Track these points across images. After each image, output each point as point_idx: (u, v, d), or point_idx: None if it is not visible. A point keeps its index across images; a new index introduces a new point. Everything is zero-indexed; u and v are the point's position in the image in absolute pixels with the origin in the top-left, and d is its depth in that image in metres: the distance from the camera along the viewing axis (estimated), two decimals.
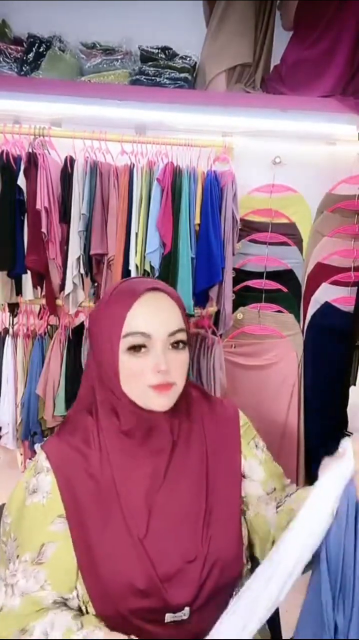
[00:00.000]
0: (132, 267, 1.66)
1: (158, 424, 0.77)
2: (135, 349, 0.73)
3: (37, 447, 1.81)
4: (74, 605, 0.72)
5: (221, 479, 0.81)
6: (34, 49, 1.63)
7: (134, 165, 1.66)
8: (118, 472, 0.76)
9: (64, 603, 0.71)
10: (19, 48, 1.65)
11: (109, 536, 0.72)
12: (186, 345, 0.78)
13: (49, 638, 0.65)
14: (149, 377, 0.73)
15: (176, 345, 0.76)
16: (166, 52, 1.67)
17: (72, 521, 0.73)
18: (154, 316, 0.74)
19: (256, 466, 0.86)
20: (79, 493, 0.74)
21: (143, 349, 0.74)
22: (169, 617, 0.70)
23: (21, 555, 0.71)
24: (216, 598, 0.72)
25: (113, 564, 0.71)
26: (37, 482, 0.76)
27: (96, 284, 1.75)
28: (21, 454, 1.89)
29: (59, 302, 1.73)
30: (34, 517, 0.73)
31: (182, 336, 0.76)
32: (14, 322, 1.83)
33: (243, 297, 1.91)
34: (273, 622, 0.90)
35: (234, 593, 0.74)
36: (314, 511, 0.63)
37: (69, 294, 1.68)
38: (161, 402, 0.75)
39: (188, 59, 1.67)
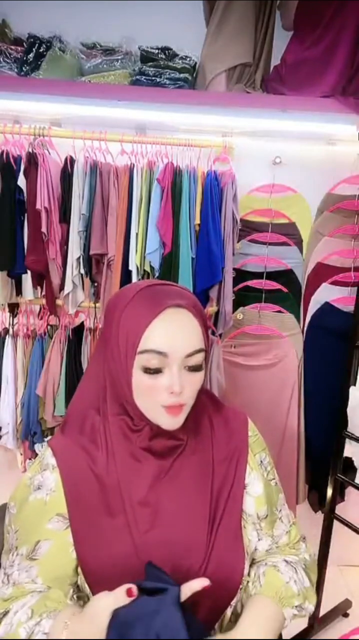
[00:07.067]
0: (132, 267, 1.66)
1: (167, 431, 0.77)
2: (150, 370, 0.71)
3: (37, 447, 1.81)
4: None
5: (226, 488, 0.79)
6: (34, 49, 1.63)
7: (134, 165, 1.66)
8: (123, 475, 0.75)
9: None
10: (19, 48, 1.65)
11: (111, 535, 0.72)
12: (203, 368, 0.75)
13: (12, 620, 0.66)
14: (162, 396, 0.72)
15: (192, 368, 0.74)
16: (166, 52, 1.67)
17: (74, 517, 0.73)
18: (173, 335, 0.71)
19: (256, 481, 0.83)
20: (83, 491, 0.74)
21: (158, 370, 0.72)
22: None
23: (19, 548, 0.73)
24: (213, 608, 0.72)
25: (114, 562, 0.71)
26: (42, 478, 0.76)
27: (95, 284, 1.75)
28: (21, 454, 1.89)
29: (59, 302, 1.73)
30: (35, 514, 0.74)
31: (199, 358, 0.74)
32: (14, 322, 1.83)
33: (243, 297, 1.91)
34: None
35: (231, 604, 0.74)
36: None
37: (68, 294, 1.68)
38: (170, 423, 0.74)
39: (188, 59, 1.66)
